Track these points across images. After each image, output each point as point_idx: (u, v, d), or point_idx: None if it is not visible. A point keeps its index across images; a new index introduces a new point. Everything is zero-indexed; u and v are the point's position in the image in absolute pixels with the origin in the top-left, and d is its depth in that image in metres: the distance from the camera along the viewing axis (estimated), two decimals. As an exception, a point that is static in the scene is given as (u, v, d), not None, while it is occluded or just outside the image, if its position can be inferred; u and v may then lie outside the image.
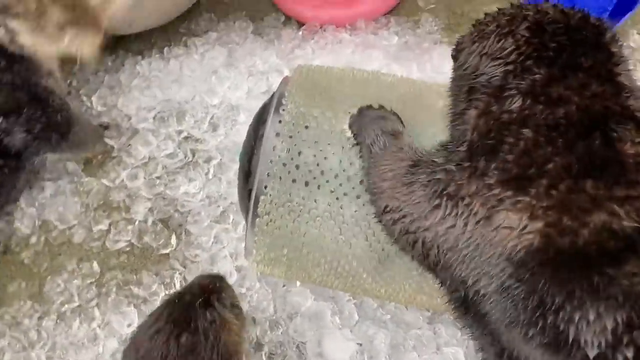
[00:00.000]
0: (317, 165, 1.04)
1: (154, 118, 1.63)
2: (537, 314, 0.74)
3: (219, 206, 1.48)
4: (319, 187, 1.03)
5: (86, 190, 1.56)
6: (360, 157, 1.02)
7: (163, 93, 1.65)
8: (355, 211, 1.03)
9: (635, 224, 0.71)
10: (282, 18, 1.82)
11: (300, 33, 1.75)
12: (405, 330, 1.28)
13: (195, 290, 1.06)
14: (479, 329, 0.87)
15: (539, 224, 0.74)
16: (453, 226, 0.82)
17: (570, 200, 0.74)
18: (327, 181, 1.03)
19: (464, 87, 0.89)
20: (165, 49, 1.75)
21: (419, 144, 0.98)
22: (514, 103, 0.81)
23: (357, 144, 1.03)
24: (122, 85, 1.69)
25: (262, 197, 1.05)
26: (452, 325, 1.27)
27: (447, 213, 0.83)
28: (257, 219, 1.07)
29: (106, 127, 1.62)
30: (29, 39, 1.32)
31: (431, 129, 1.03)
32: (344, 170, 1.03)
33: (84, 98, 1.69)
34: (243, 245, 1.36)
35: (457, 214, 0.82)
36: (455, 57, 0.94)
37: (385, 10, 1.78)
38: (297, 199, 1.04)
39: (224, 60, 1.67)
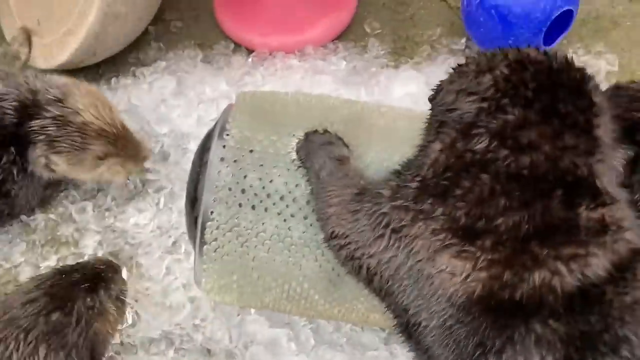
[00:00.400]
0: (263, 188, 1.03)
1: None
2: (478, 353, 0.75)
3: (170, 236, 1.45)
4: (265, 209, 1.03)
5: (33, 226, 1.51)
6: (307, 181, 1.02)
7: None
8: (304, 232, 1.02)
9: (577, 282, 0.72)
10: (232, 46, 1.83)
11: (250, 60, 1.76)
12: (362, 352, 1.27)
13: (87, 271, 1.04)
14: (422, 357, 0.87)
15: (482, 274, 0.74)
16: (395, 256, 0.83)
17: (515, 257, 0.73)
18: (274, 203, 1.03)
19: (436, 122, 0.87)
20: (113, 79, 1.74)
21: (362, 164, 0.99)
22: (480, 143, 0.77)
23: (303, 167, 1.03)
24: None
25: (208, 224, 1.04)
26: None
27: (389, 244, 0.83)
28: (205, 246, 1.05)
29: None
30: (65, 168, 1.37)
31: (374, 149, 1.05)
32: (289, 192, 1.03)
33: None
34: (195, 274, 1.34)
35: (399, 247, 0.82)
36: (431, 99, 0.92)
37: (333, 36, 1.82)
38: (245, 223, 1.03)
39: (173, 89, 1.67)
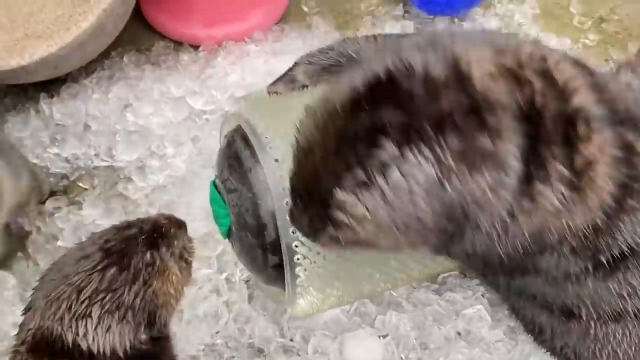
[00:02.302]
0: None
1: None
2: None
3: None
4: None
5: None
6: None
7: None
8: None
9: None
10: (172, 45, 1.71)
11: (201, 54, 1.65)
12: (421, 309, 1.25)
13: (146, 226, 0.93)
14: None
15: None
16: None
17: None
18: None
19: None
20: (53, 95, 1.54)
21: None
22: None
23: None
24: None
25: (295, 243, 0.94)
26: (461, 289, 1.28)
27: None
28: (297, 268, 0.96)
29: None
30: None
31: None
32: None
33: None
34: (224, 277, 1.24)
35: None
36: None
37: (275, 19, 1.77)
38: None
39: (132, 94, 1.51)
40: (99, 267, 0.85)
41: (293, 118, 0.91)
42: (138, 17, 1.74)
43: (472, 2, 1.73)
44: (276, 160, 0.95)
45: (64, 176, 1.45)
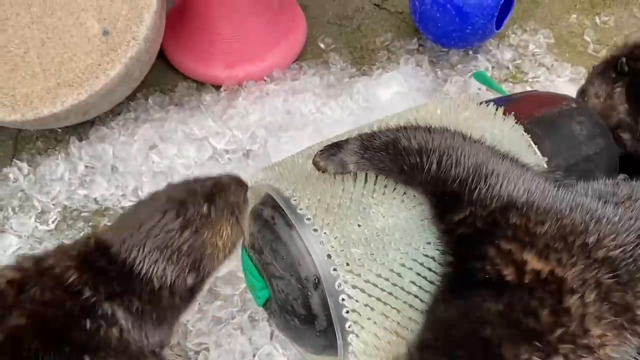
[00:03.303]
0: (370, 232, 0.97)
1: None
2: None
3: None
4: (384, 247, 0.97)
5: None
6: None
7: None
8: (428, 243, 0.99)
9: None
10: (195, 85, 1.77)
11: (223, 94, 1.71)
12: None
13: (209, 182, 1.01)
14: None
15: None
16: None
17: None
18: (389, 240, 0.98)
19: None
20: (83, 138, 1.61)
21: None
22: None
23: None
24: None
25: (350, 336, 0.96)
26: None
27: None
28: (350, 347, 0.98)
29: None
30: None
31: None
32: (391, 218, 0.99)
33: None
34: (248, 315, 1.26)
35: None
36: None
37: (293, 58, 1.83)
38: (376, 280, 0.96)
39: (157, 135, 1.57)
40: (160, 209, 0.95)
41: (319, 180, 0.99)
42: (161, 58, 1.81)
43: (485, 35, 1.76)
44: (315, 230, 0.97)
45: (94, 214, 1.51)
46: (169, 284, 0.95)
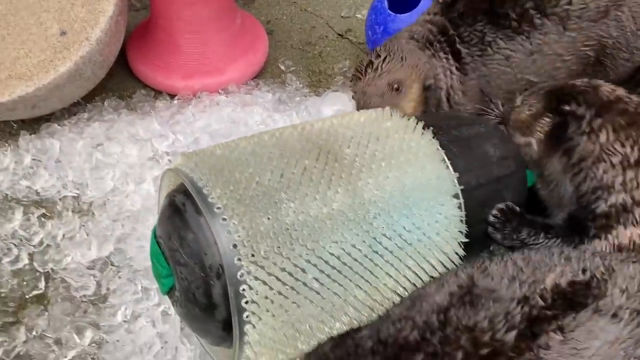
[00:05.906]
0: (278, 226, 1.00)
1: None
2: None
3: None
4: (291, 243, 1.00)
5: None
6: None
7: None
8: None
9: None
10: (152, 93, 1.84)
11: (176, 102, 1.77)
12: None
13: None
14: None
15: None
16: None
17: None
18: (299, 232, 1.01)
19: None
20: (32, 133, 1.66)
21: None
22: None
23: None
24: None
25: (246, 327, 0.98)
26: None
27: None
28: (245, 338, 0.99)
29: None
30: None
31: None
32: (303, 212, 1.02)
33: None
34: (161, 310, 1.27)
35: None
36: None
37: (252, 75, 1.90)
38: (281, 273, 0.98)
39: (104, 135, 1.63)
40: None
41: (233, 171, 1.01)
42: (125, 66, 1.89)
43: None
44: (224, 220, 0.98)
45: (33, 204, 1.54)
46: None
